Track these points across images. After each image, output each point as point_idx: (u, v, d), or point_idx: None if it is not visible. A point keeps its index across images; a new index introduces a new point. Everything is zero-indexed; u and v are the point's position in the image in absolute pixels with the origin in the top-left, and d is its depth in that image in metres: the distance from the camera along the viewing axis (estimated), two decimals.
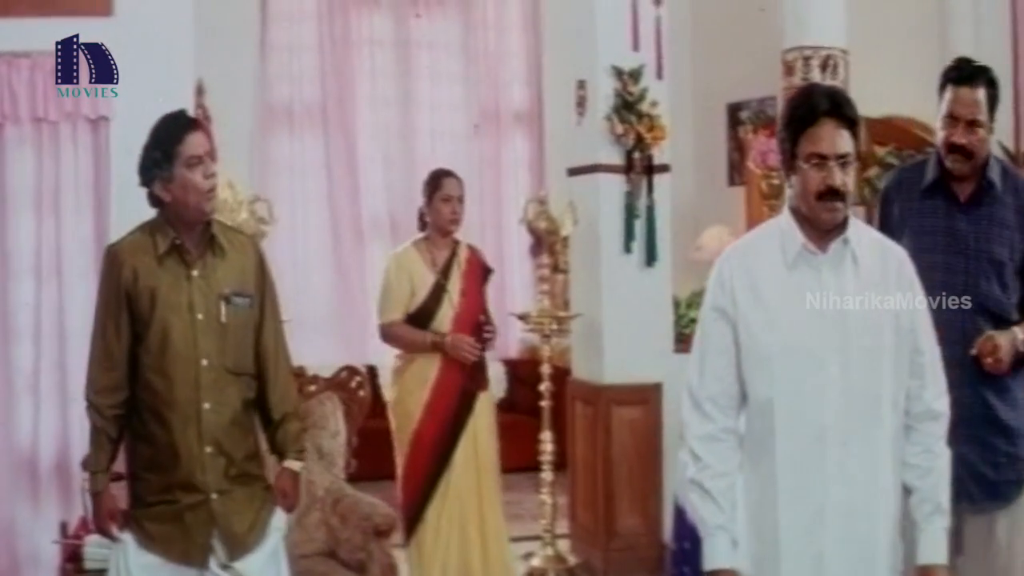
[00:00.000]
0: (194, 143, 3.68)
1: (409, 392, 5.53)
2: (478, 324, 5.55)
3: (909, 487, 3.06)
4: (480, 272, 5.70)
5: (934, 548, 3.04)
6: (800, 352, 2.99)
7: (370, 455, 5.70)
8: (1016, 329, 3.67)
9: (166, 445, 3.67)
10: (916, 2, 7.99)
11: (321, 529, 5.15)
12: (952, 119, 3.72)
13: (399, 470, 5.57)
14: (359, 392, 5.59)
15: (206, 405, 3.67)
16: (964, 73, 3.74)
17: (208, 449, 3.68)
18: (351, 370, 5.66)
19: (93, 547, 4.70)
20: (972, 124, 3.70)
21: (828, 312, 2.99)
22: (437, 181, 5.63)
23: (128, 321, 3.70)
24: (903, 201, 3.89)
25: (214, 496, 3.69)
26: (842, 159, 2.98)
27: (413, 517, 5.49)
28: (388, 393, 5.71)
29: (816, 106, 3.01)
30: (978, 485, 3.62)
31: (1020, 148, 7.56)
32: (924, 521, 3.05)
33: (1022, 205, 3.75)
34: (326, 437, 5.37)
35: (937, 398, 3.09)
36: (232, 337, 3.74)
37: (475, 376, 5.55)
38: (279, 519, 3.87)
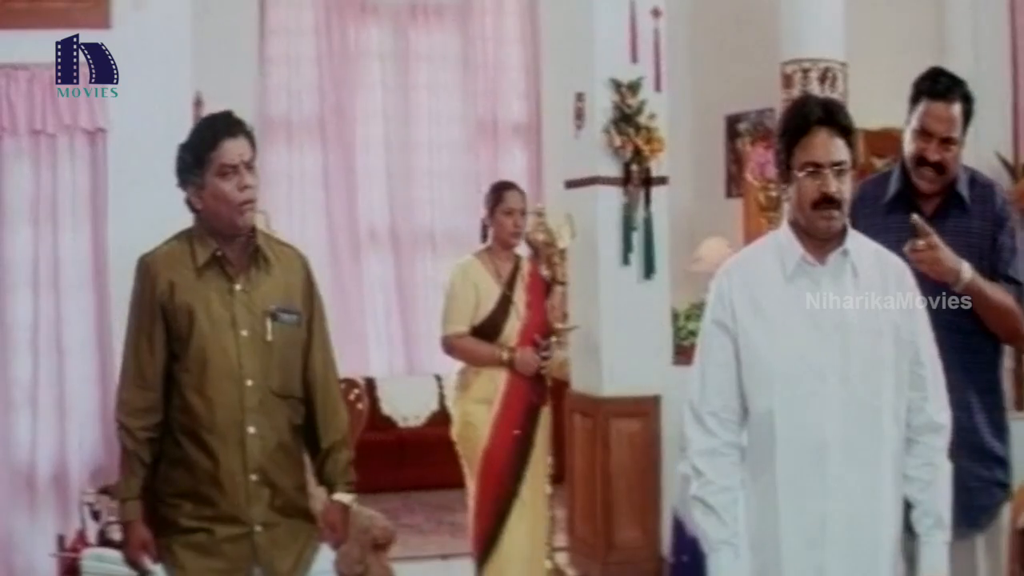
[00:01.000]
0: (230, 150, 3.36)
1: (476, 406, 5.42)
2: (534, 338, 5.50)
3: (910, 500, 3.04)
4: (542, 285, 5.67)
5: (935, 561, 3.03)
6: (800, 365, 2.98)
7: (367, 468, 5.68)
8: (972, 270, 3.45)
9: (207, 472, 3.37)
10: (915, 14, 8.01)
11: None
12: (925, 134, 3.57)
13: (471, 491, 5.43)
14: (357, 405, 5.59)
15: (251, 429, 3.38)
16: (939, 87, 3.57)
17: (253, 477, 3.39)
18: (349, 383, 5.67)
19: (90, 560, 4.69)
20: (946, 141, 3.55)
21: (828, 324, 2.98)
22: (499, 194, 5.59)
23: (163, 338, 3.41)
24: (865, 217, 3.64)
25: (258, 529, 3.40)
26: (837, 167, 2.97)
27: (490, 538, 5.35)
28: (452, 409, 5.60)
29: (809, 115, 3.01)
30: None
31: (1019, 160, 7.57)
32: (925, 534, 3.04)
33: (989, 213, 3.61)
34: None
35: (939, 411, 3.07)
36: (278, 357, 3.45)
37: (539, 390, 5.50)
38: (324, 560, 3.61)
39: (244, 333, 3.40)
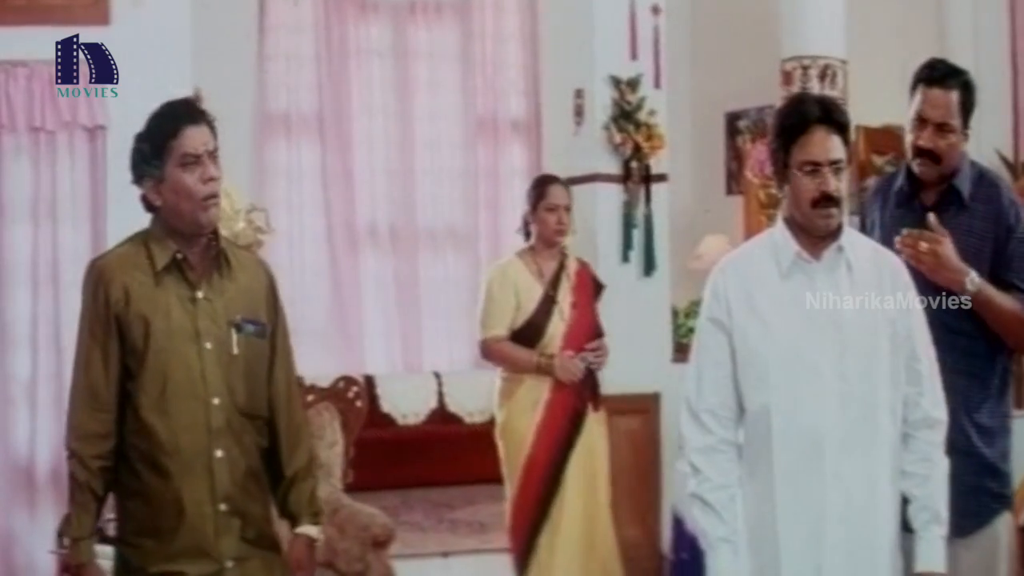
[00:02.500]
0: (192, 139, 3.06)
1: (520, 414, 5.12)
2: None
3: (907, 495, 3.05)
4: (591, 286, 5.32)
5: (932, 556, 3.03)
6: (796, 361, 2.98)
7: (367, 465, 5.69)
8: (980, 279, 3.38)
9: (170, 503, 3.02)
10: (915, 12, 8.01)
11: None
12: (921, 121, 3.50)
13: (509, 495, 5.16)
14: (356, 402, 5.57)
15: (218, 453, 3.04)
16: (937, 73, 3.51)
17: (222, 507, 3.05)
18: (348, 380, 5.65)
19: None
20: (942, 128, 3.48)
21: (823, 320, 2.99)
22: (542, 189, 5.21)
23: (118, 353, 3.06)
24: (875, 212, 3.69)
25: (229, 565, 3.06)
26: (835, 165, 2.99)
27: (527, 544, 5.10)
28: (496, 415, 5.26)
29: (807, 114, 3.02)
30: None
31: (1020, 158, 7.57)
32: (922, 529, 3.04)
33: (993, 213, 3.52)
34: (323, 447, 5.35)
35: (935, 406, 3.08)
36: (244, 372, 3.12)
37: (585, 395, 5.16)
38: None
39: (208, 346, 3.08)
